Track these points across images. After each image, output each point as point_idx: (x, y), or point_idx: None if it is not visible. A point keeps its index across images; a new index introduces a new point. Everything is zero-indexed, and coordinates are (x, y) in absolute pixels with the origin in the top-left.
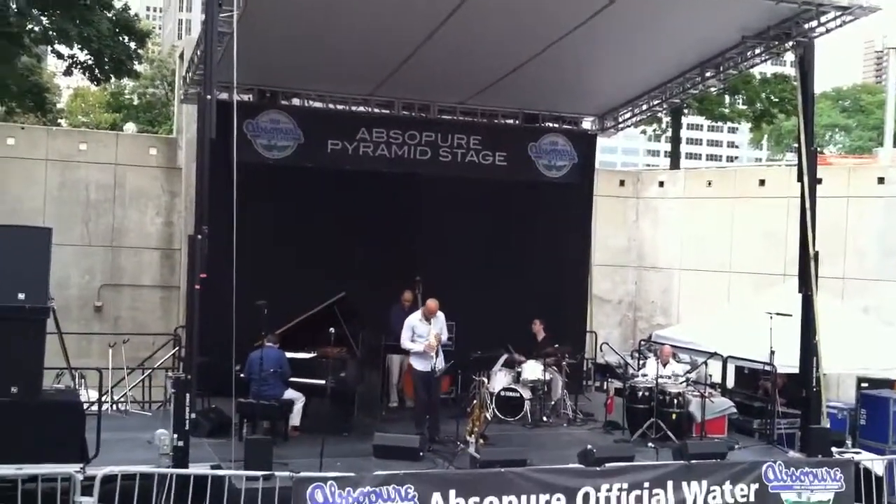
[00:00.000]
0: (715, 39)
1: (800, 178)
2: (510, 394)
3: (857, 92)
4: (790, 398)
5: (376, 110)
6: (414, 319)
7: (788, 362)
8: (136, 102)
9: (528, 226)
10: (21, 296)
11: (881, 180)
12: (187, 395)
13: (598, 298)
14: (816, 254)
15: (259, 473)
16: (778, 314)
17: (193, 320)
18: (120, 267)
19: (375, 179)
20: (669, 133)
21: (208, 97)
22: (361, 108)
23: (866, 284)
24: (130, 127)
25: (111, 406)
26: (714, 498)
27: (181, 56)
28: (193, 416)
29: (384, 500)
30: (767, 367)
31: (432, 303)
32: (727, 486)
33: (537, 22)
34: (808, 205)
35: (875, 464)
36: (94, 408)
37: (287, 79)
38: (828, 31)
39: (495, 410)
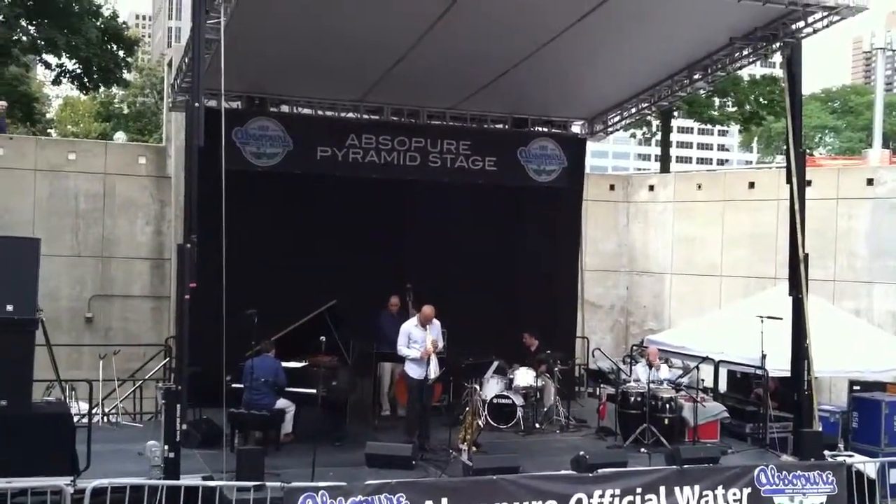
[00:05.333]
0: (703, 41)
1: (789, 181)
2: (502, 401)
3: (846, 93)
4: (782, 402)
5: (365, 116)
6: (410, 325)
7: (780, 366)
8: (125, 111)
9: (519, 231)
10: (9, 307)
11: (870, 181)
12: (178, 406)
13: (589, 304)
14: (806, 256)
15: (250, 484)
16: (769, 317)
17: (183, 330)
18: (110, 277)
19: (365, 186)
20: (659, 136)
21: (196, 105)
22: (350, 115)
23: (857, 286)
24: (120, 136)
25: (102, 418)
26: (707, 503)
27: (169, 64)
28: (184, 427)
29: None
30: (759, 371)
31: (429, 309)
32: (720, 490)
33: (525, 26)
34: (797, 207)
35: (867, 466)
36: (85, 420)
37: (275, 85)
38: (815, 31)
39: (488, 418)
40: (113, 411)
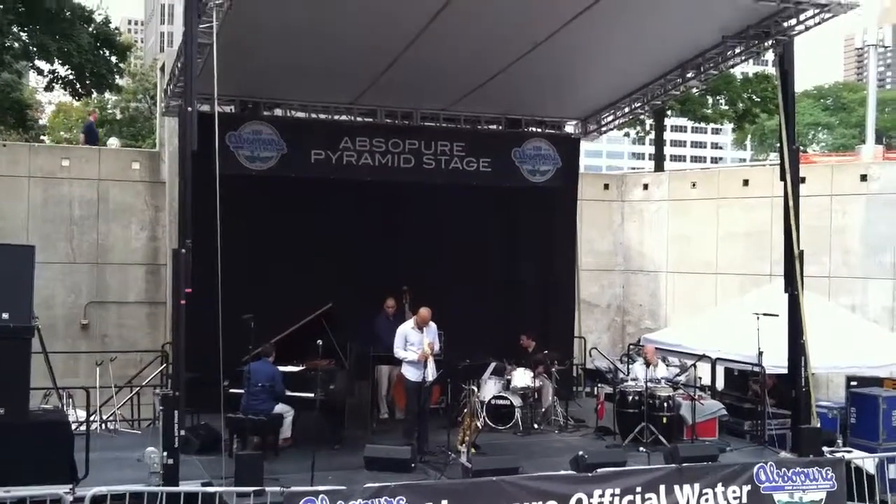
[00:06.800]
0: (695, 40)
1: (782, 178)
2: (500, 402)
3: (839, 90)
4: (780, 398)
5: (359, 119)
6: (406, 328)
7: (777, 363)
8: (119, 117)
9: (514, 232)
10: (5, 315)
11: (864, 178)
12: (176, 413)
13: (585, 303)
14: (801, 253)
15: (250, 489)
16: (765, 314)
17: (180, 336)
18: (105, 284)
19: (359, 188)
20: (653, 135)
21: (189, 109)
22: (344, 117)
23: (852, 282)
24: (114, 142)
25: (100, 425)
26: (706, 501)
27: (162, 69)
28: (182, 433)
29: None
30: (756, 369)
31: (425, 311)
32: (719, 488)
33: (517, 27)
34: (791, 204)
35: (866, 462)
36: (83, 427)
37: (268, 89)
38: (807, 28)
39: (486, 419)
40: (111, 418)
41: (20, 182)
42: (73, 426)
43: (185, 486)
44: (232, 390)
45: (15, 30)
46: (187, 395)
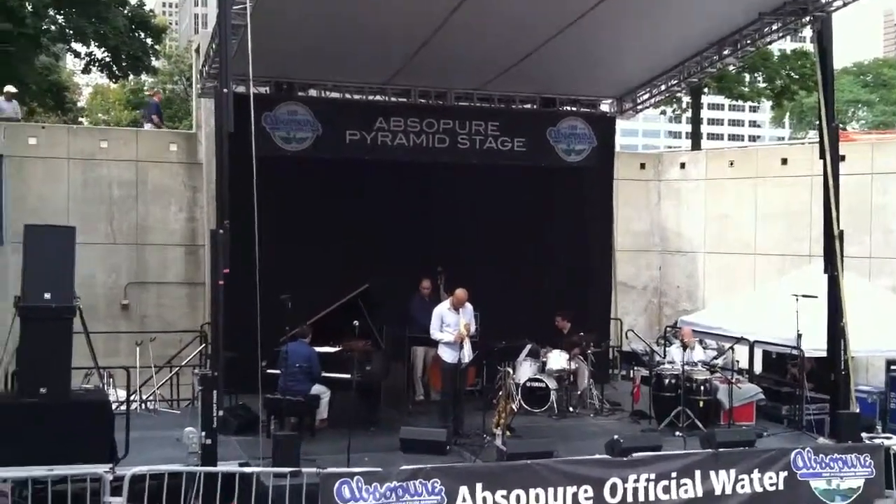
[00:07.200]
0: (731, 17)
1: (822, 156)
2: (536, 384)
3: (879, 66)
4: (819, 383)
5: (393, 99)
6: (443, 309)
7: (816, 346)
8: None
9: (550, 212)
10: (47, 295)
11: None
12: (214, 393)
13: (622, 285)
14: (841, 233)
15: (286, 470)
16: (804, 296)
17: (218, 316)
18: (145, 264)
19: (394, 169)
20: (689, 114)
21: (225, 90)
22: (378, 97)
23: (894, 263)
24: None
25: (140, 405)
26: (742, 487)
27: (197, 50)
28: (221, 413)
29: (411, 495)
30: (795, 352)
31: (461, 292)
32: (755, 474)
33: (551, 5)
34: (830, 183)
35: None
36: (123, 407)
37: (303, 70)
38: (845, 4)
39: (521, 401)
40: (150, 398)
41: (60, 164)
42: (114, 406)
43: (223, 467)
44: (269, 371)
45: (52, 13)
46: (226, 376)
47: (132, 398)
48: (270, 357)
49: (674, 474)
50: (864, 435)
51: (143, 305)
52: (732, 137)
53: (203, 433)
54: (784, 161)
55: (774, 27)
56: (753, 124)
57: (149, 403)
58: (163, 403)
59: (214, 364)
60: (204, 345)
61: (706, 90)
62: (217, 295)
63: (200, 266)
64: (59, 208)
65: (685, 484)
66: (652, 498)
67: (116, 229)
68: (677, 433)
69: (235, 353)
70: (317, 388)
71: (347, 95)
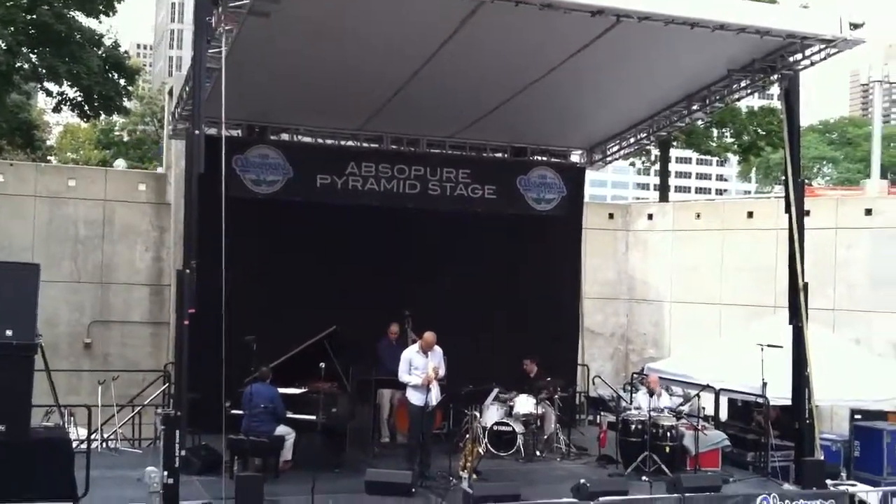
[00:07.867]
0: (701, 73)
1: (787, 210)
2: (503, 428)
3: (844, 125)
4: (784, 430)
5: (365, 144)
6: (411, 352)
7: (781, 394)
8: (126, 139)
9: (519, 259)
10: (8, 332)
11: (868, 212)
12: (177, 433)
13: (589, 331)
14: (806, 285)
15: None
16: (769, 346)
17: (182, 356)
18: (109, 303)
19: (364, 213)
20: (658, 166)
21: (196, 132)
22: (350, 143)
23: (857, 315)
24: (120, 163)
25: (101, 444)
26: None
27: (170, 92)
28: (183, 453)
29: None
30: (760, 400)
31: (430, 335)
32: None
33: (524, 57)
34: (796, 236)
35: (870, 496)
36: (84, 445)
37: (276, 114)
38: (812, 63)
39: (488, 445)
40: (112, 437)
41: (26, 201)
42: (74, 444)
43: None
44: (234, 411)
45: (25, 51)
46: (189, 416)
47: (93, 437)
48: (234, 398)
49: None
50: (828, 482)
51: (106, 344)
52: (700, 191)
53: (165, 473)
54: (750, 214)
55: (743, 84)
56: (720, 178)
57: (110, 442)
58: (124, 442)
59: (178, 403)
60: (167, 384)
61: (675, 143)
62: (182, 334)
63: (165, 306)
64: (25, 245)
65: None
66: None
67: (81, 267)
68: (644, 478)
69: (199, 393)
70: (281, 430)
71: (320, 140)
